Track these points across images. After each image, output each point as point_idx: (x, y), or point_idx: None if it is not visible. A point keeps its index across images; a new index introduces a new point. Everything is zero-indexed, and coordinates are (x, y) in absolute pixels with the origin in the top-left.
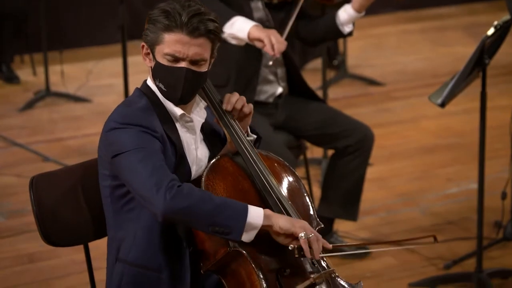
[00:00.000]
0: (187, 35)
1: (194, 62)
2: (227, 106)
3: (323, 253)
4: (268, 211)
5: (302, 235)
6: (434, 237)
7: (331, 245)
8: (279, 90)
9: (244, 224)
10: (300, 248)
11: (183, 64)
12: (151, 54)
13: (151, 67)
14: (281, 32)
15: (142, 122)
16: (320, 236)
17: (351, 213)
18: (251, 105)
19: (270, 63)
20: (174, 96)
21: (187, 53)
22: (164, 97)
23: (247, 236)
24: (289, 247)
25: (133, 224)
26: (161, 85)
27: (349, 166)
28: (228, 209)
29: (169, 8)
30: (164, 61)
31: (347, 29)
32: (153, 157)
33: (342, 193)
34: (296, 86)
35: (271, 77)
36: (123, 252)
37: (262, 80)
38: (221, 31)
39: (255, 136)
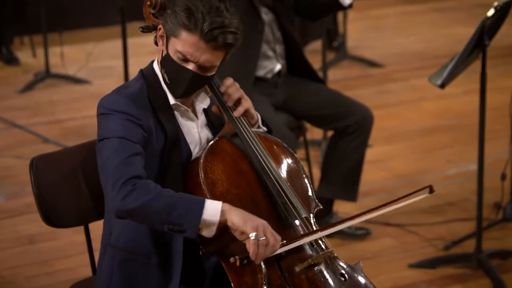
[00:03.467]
0: (205, 41)
1: (202, 67)
2: (223, 89)
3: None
4: (227, 205)
5: (253, 236)
6: (430, 188)
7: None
8: (278, 66)
9: (198, 222)
10: (243, 258)
11: (191, 66)
12: (166, 40)
13: (162, 51)
14: None
15: (127, 109)
16: (273, 242)
17: (351, 194)
18: (249, 101)
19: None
20: (175, 92)
21: (199, 58)
22: (166, 86)
23: (208, 232)
24: (230, 260)
25: None
26: (165, 76)
27: (349, 146)
28: (181, 207)
29: (193, 6)
30: (174, 56)
31: (347, 0)
32: (128, 148)
33: (341, 174)
34: (296, 65)
35: (270, 53)
36: (114, 237)
37: (261, 56)
38: (240, 39)
39: (265, 129)
